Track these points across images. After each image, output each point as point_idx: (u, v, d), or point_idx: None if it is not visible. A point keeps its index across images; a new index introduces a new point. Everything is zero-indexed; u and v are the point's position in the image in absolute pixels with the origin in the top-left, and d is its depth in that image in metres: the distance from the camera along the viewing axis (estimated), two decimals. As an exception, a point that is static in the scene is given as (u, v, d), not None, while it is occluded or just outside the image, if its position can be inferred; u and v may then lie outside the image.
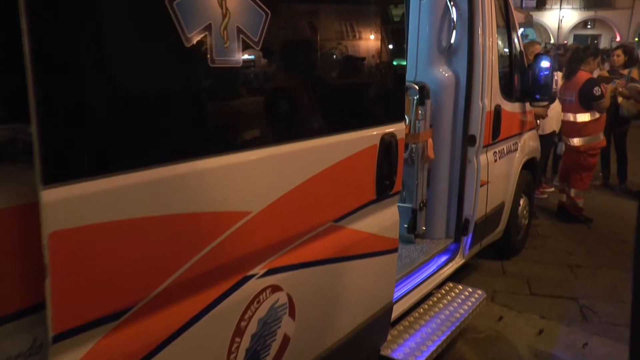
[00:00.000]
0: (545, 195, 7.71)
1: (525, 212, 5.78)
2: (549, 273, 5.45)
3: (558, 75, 6.56)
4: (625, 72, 8.32)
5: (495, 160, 4.73)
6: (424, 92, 4.13)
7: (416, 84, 4.16)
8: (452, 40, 4.25)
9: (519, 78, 5.11)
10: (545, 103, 5.34)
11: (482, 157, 4.50)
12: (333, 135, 2.41)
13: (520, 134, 5.32)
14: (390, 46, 2.91)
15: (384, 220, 2.92)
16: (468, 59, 4.27)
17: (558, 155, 8.17)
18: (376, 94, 2.85)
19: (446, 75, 4.34)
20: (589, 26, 42.80)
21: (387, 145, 2.75)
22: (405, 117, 4.16)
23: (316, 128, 2.36)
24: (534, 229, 6.41)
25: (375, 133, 2.69)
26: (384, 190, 2.81)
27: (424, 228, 4.46)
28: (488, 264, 5.54)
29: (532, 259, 5.78)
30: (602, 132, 6.76)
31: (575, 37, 41.55)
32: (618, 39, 38.06)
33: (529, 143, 5.54)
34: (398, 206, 3.44)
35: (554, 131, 7.46)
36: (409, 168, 4.28)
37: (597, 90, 6.40)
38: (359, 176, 2.64)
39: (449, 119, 4.39)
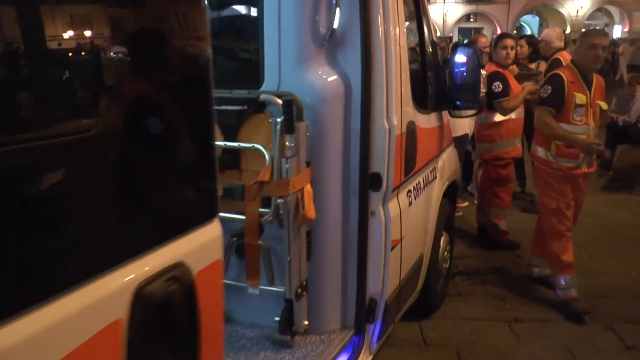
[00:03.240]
0: (460, 213, 6.16)
1: (446, 253, 4.16)
2: (484, 336, 3.87)
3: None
4: (533, 66, 6.97)
5: (410, 203, 3.04)
6: (292, 109, 2.33)
7: (279, 96, 2.35)
8: (335, 24, 2.47)
9: (433, 80, 3.44)
10: (472, 112, 3.71)
11: (392, 205, 2.78)
12: None
13: (438, 155, 3.67)
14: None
15: None
16: (363, 54, 2.52)
17: (472, 162, 6.67)
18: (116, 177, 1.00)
19: (329, 80, 2.56)
20: (471, 20, 43.12)
21: (159, 310, 0.91)
22: (264, 152, 2.36)
23: None
24: (454, 266, 4.82)
25: (112, 292, 0.86)
26: None
27: (306, 322, 2.67)
28: (402, 329, 3.86)
29: (459, 313, 4.18)
30: (515, 139, 5.24)
31: (460, 30, 41.79)
32: (499, 31, 38.46)
33: (448, 164, 3.92)
34: (263, 290, 2.46)
35: (467, 134, 5.93)
36: (276, 232, 2.49)
37: (496, 86, 4.85)
38: None
39: (337, 150, 2.62)
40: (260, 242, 2.54)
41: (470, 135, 6.01)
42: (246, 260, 2.46)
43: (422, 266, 3.50)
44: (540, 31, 43.46)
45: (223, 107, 2.48)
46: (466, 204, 6.56)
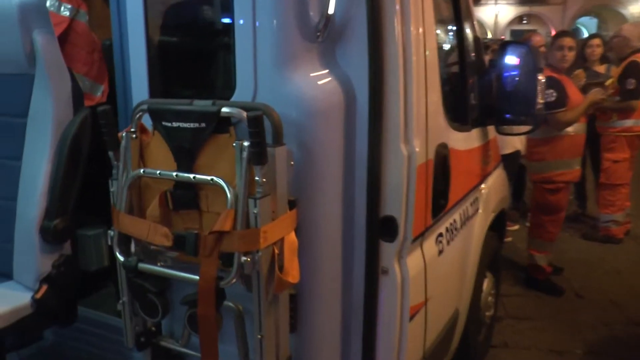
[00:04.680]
0: (509, 238, 5.28)
1: (490, 298, 3.34)
2: (536, 408, 3.05)
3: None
4: (602, 69, 5.99)
5: (441, 251, 2.26)
6: (261, 129, 1.58)
7: (247, 110, 1.62)
8: (331, 9, 1.72)
9: (476, 87, 2.65)
10: (525, 129, 2.88)
11: (413, 258, 2.01)
12: None
13: (482, 181, 2.87)
14: None
15: None
16: (371, 50, 1.77)
17: (525, 179, 5.75)
18: None
19: (323, 86, 1.81)
20: (524, 21, 41.38)
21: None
22: (226, 189, 1.65)
23: None
24: (500, 306, 3.98)
25: None
26: None
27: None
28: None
29: (504, 372, 3.36)
30: (573, 160, 4.29)
31: (512, 32, 40.19)
32: (553, 33, 36.84)
33: (495, 191, 3.10)
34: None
35: (518, 150, 5.05)
36: (242, 294, 1.76)
37: (549, 94, 3.92)
38: None
39: (335, 185, 1.86)
40: (230, 303, 1.83)
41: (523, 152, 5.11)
42: (199, 336, 1.74)
43: (458, 322, 2.71)
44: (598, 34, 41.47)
45: (176, 124, 1.77)
46: (517, 227, 5.66)
